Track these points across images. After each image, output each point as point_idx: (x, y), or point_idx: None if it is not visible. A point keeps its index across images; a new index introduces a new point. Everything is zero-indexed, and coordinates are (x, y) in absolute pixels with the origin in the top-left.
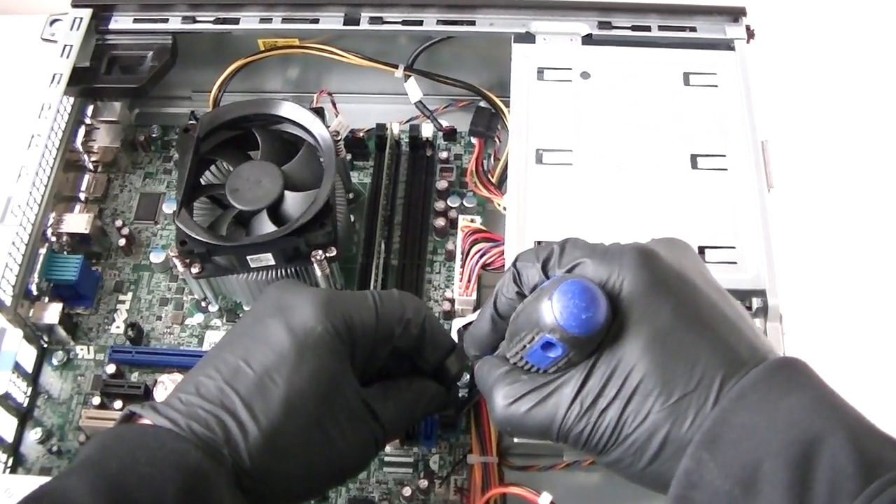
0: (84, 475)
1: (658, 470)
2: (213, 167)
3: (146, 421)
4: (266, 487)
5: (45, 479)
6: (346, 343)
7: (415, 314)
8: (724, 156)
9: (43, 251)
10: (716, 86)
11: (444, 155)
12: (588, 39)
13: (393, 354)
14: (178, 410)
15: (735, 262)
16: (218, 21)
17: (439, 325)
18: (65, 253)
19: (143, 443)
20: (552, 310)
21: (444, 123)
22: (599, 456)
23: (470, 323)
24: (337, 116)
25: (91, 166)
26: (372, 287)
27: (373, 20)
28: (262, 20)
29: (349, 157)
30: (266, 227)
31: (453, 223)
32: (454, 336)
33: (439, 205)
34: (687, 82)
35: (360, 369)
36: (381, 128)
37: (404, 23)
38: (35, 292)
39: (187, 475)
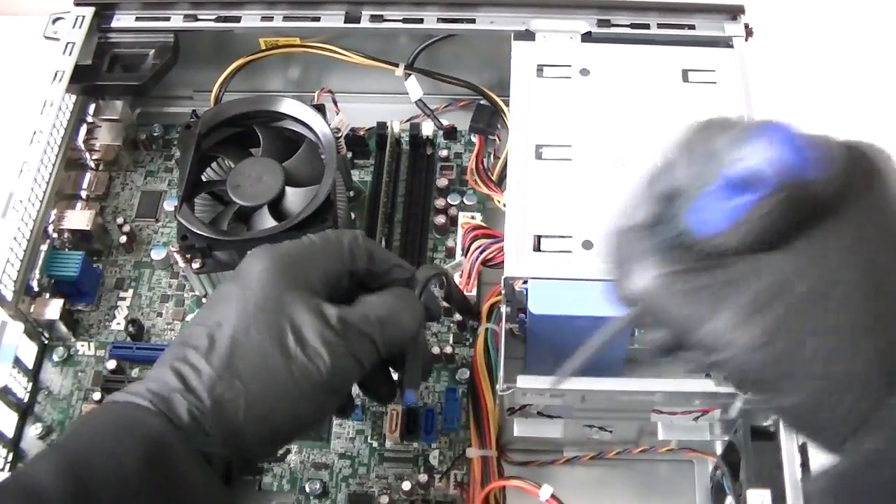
0: (50, 458)
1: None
2: (214, 164)
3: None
4: (235, 431)
5: None
6: (297, 272)
7: (352, 239)
8: None
9: (44, 247)
10: (714, 83)
11: (444, 153)
12: (587, 37)
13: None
14: (141, 383)
15: None
16: (219, 19)
17: (376, 243)
18: (66, 249)
19: (107, 419)
20: (760, 143)
21: (445, 122)
22: (766, 396)
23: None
24: (338, 114)
25: (92, 164)
26: None
27: (373, 18)
28: (264, 18)
29: (350, 155)
30: (267, 222)
31: (454, 221)
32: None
33: (439, 202)
34: (685, 79)
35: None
36: (382, 126)
37: (405, 21)
38: (36, 288)
39: (148, 444)
